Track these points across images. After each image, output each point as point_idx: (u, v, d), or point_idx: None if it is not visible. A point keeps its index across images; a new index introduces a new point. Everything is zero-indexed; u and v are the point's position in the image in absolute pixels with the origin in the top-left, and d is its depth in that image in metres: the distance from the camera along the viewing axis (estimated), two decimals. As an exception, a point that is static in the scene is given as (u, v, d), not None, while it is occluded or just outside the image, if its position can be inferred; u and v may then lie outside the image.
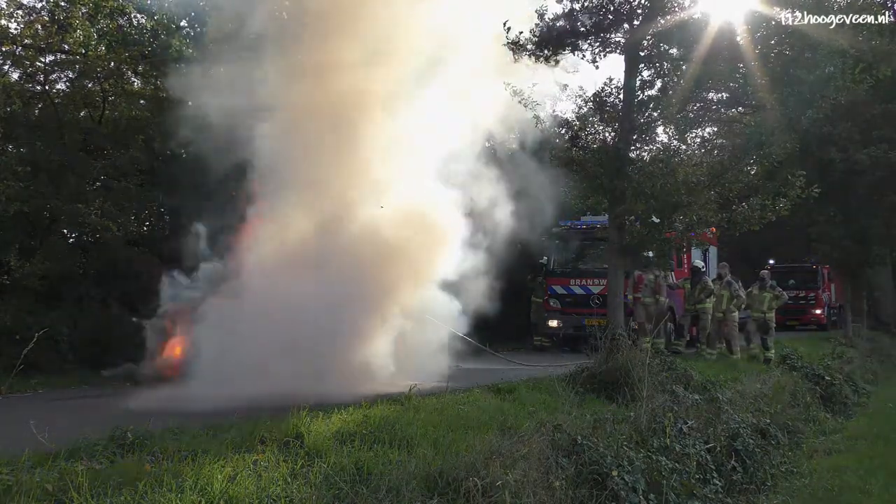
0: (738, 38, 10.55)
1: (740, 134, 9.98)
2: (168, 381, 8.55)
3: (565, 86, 11.42)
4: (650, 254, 11.32)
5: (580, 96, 17.03)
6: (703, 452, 6.98)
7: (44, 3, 12.69)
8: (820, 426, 10.99)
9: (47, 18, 12.49)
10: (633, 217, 10.55)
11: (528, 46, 10.38)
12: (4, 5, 12.44)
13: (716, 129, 24.72)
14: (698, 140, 23.72)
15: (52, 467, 3.77)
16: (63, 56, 12.76)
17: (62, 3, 12.64)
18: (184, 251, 9.96)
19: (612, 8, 10.20)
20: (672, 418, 6.91)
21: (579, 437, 5.62)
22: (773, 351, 13.89)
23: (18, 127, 12.01)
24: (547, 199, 12.13)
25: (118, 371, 9.57)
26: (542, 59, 10.50)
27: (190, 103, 10.46)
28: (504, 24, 10.27)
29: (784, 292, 14.81)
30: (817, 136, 17.48)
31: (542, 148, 12.48)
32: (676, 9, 10.20)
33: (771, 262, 24.08)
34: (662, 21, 10.19)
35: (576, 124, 11.28)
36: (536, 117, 10.64)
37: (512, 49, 10.44)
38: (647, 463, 5.93)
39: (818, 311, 25.56)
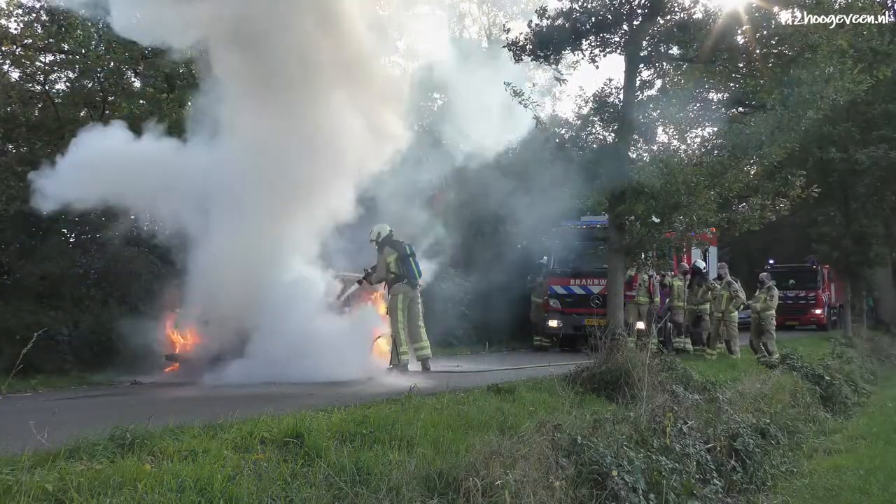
0: (739, 39, 10.54)
1: (740, 134, 9.96)
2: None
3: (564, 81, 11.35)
4: (652, 253, 11.32)
5: (580, 96, 17.06)
6: (703, 452, 6.98)
7: (43, 3, 12.70)
8: (820, 426, 10.99)
9: (47, 18, 12.49)
10: (633, 217, 10.55)
11: (528, 47, 10.38)
12: (4, 5, 12.46)
13: (716, 129, 24.68)
14: (698, 140, 23.70)
15: (52, 467, 3.75)
16: (63, 56, 12.77)
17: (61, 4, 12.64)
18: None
19: (612, 8, 10.19)
20: (672, 418, 6.91)
21: (579, 437, 5.61)
22: (776, 355, 13.40)
23: (18, 127, 12.01)
24: (547, 199, 12.13)
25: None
26: (542, 59, 10.50)
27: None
28: (503, 25, 10.27)
29: (777, 293, 14.37)
30: (817, 136, 17.51)
31: (542, 148, 12.49)
32: (676, 9, 10.21)
33: (771, 261, 24.09)
34: (662, 21, 10.19)
35: (576, 124, 11.28)
36: (536, 118, 10.64)
37: (512, 50, 10.45)
38: (647, 463, 5.92)
39: (818, 311, 25.55)
